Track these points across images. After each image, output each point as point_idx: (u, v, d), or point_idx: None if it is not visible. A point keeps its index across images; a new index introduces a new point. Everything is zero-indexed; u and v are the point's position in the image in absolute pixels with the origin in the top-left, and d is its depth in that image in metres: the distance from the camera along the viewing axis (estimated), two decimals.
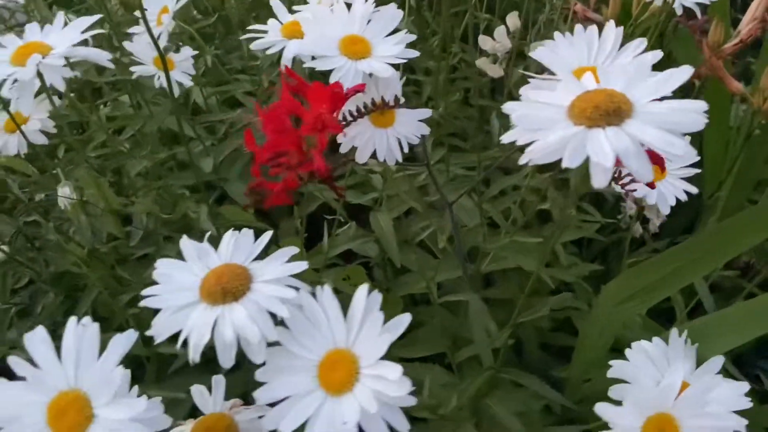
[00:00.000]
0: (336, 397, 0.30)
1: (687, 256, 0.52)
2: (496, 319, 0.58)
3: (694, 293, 0.65)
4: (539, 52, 0.35)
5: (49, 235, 0.57)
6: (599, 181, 0.26)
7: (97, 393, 0.30)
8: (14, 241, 0.63)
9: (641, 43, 0.36)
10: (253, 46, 0.49)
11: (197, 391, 0.38)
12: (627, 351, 0.41)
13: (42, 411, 0.31)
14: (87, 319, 0.31)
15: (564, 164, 0.26)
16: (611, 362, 0.40)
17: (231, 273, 0.32)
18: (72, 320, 0.31)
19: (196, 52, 0.67)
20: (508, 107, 0.29)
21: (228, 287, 0.32)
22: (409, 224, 0.70)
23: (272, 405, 0.30)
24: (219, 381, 0.39)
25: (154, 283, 0.33)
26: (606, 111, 0.27)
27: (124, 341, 0.31)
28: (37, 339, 0.31)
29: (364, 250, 0.65)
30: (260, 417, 0.38)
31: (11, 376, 0.31)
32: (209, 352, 0.31)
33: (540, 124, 0.28)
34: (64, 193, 0.49)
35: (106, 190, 0.53)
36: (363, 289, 0.31)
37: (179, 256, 0.35)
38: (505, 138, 0.28)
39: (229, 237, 0.35)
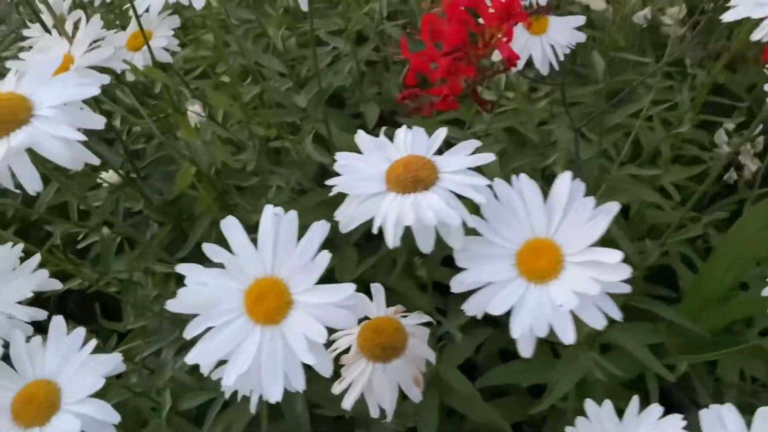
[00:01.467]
0: (540, 285, 0.29)
1: None
2: None
3: None
4: None
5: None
6: None
7: (297, 280, 0.30)
8: (124, 168, 0.64)
9: None
10: None
11: (359, 298, 0.38)
12: None
13: (239, 297, 0.31)
14: (279, 209, 0.31)
15: None
16: None
17: (419, 163, 0.32)
18: (268, 208, 0.31)
19: None
20: None
21: (419, 176, 0.31)
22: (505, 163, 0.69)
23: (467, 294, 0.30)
24: (378, 288, 0.39)
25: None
26: None
27: (321, 229, 0.30)
28: (233, 226, 0.31)
29: None
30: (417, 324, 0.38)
31: None
32: None
33: None
34: (195, 110, 0.49)
35: (243, 106, 0.53)
36: (566, 175, 0.30)
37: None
38: None
39: (404, 132, 0.34)
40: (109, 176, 0.58)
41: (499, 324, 0.56)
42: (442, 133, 0.34)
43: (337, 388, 0.36)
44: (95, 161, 0.30)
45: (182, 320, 0.31)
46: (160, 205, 0.63)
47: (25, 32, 0.50)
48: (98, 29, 0.40)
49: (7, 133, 0.29)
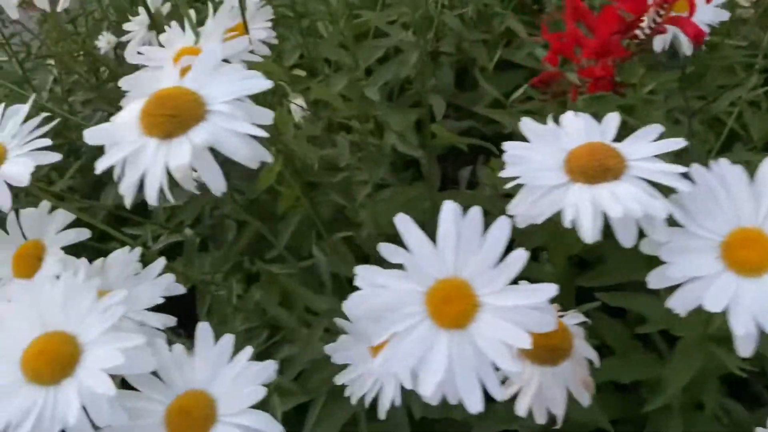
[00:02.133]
0: (754, 279, 0.27)
1: None
2: None
3: None
4: None
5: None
6: None
7: (484, 280, 0.28)
8: None
9: None
10: None
11: None
12: None
13: (421, 300, 0.29)
14: (455, 205, 0.29)
15: None
16: None
17: (604, 150, 0.30)
18: (449, 204, 0.29)
19: None
20: None
21: (607, 164, 0.29)
22: None
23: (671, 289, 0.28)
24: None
25: None
26: None
27: (506, 226, 0.28)
28: (408, 222, 0.29)
29: None
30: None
31: None
32: None
33: None
34: (299, 103, 0.47)
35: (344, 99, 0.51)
36: None
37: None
38: None
39: (573, 118, 0.32)
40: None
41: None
42: (614, 118, 0.32)
43: (505, 394, 0.34)
44: (270, 159, 0.28)
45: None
46: (243, 204, 0.61)
47: (126, 26, 0.48)
48: (227, 21, 0.38)
49: (185, 130, 0.27)
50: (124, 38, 0.48)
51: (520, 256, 0.28)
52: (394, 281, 0.29)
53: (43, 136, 0.32)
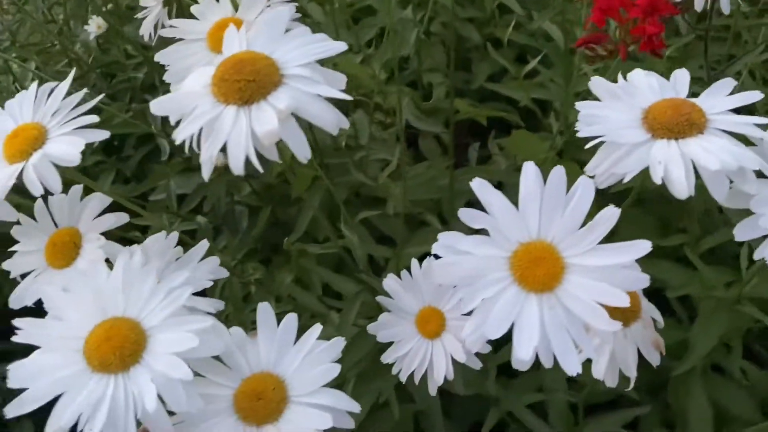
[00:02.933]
0: None
1: None
2: None
3: None
4: None
5: None
6: None
7: (570, 242, 0.27)
8: None
9: None
10: None
11: None
12: None
13: (506, 265, 0.28)
14: (536, 168, 0.28)
15: None
16: None
17: (687, 105, 0.29)
18: (529, 165, 0.28)
19: None
20: None
21: (692, 118, 0.28)
22: None
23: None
24: None
25: None
26: None
27: (590, 186, 0.28)
28: (487, 187, 0.28)
29: None
30: None
31: None
32: None
33: None
34: None
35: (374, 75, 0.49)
36: None
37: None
38: None
39: (642, 74, 0.31)
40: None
41: None
42: (685, 75, 0.31)
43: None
44: (346, 125, 0.26)
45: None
46: (258, 189, 0.60)
47: (142, 2, 0.46)
48: None
49: (264, 96, 0.25)
50: (139, 15, 0.46)
51: (611, 214, 0.27)
52: (477, 247, 0.28)
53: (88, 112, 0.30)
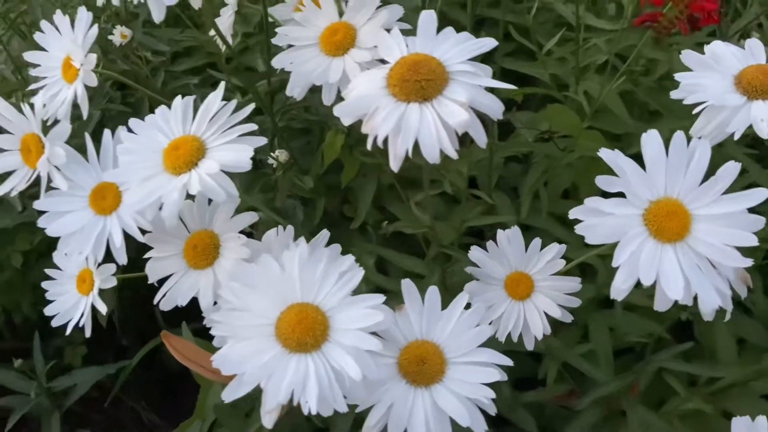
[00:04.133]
0: None
1: None
2: None
3: None
4: None
5: None
6: None
7: (693, 197, 0.32)
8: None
9: None
10: None
11: None
12: None
13: (641, 221, 0.32)
14: (657, 133, 0.32)
15: None
16: None
17: None
18: (653, 133, 0.32)
19: None
20: None
21: None
22: None
23: None
24: None
25: None
26: None
27: (707, 147, 0.32)
28: (619, 155, 0.32)
29: None
30: None
31: None
32: None
33: None
34: None
35: None
36: None
37: None
38: None
39: (722, 45, 0.36)
40: (280, 154, 0.57)
41: None
42: (757, 44, 0.36)
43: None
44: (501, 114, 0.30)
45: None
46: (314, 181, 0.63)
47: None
48: None
49: (440, 92, 0.28)
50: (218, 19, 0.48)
51: (732, 168, 0.31)
52: (617, 207, 0.32)
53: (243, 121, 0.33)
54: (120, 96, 0.76)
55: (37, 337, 0.69)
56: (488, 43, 0.30)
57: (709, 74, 0.35)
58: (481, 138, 0.28)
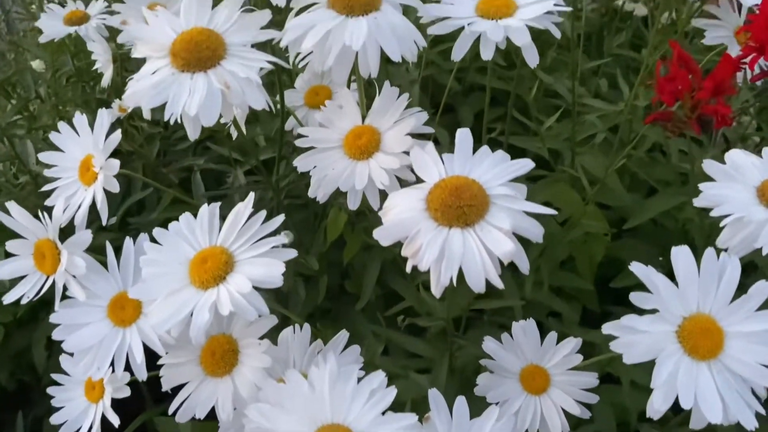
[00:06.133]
0: None
1: None
2: None
3: None
4: None
5: None
6: None
7: (725, 313, 0.32)
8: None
9: None
10: None
11: None
12: None
13: (675, 338, 0.32)
14: (689, 251, 0.33)
15: None
16: None
17: None
18: (683, 249, 0.32)
19: None
20: None
21: None
22: None
23: None
24: None
25: None
26: None
27: (737, 266, 0.32)
28: (651, 272, 0.32)
29: None
30: None
31: None
32: None
33: None
34: None
35: None
36: None
37: None
38: None
39: (740, 154, 0.37)
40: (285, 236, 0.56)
41: None
42: None
43: None
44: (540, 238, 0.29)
45: None
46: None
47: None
48: (394, 99, 0.38)
49: (482, 216, 0.28)
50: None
51: (764, 287, 0.31)
52: (651, 325, 0.32)
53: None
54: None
55: (20, 416, 0.66)
56: (526, 165, 0.30)
57: (732, 185, 0.35)
58: (524, 266, 0.28)
